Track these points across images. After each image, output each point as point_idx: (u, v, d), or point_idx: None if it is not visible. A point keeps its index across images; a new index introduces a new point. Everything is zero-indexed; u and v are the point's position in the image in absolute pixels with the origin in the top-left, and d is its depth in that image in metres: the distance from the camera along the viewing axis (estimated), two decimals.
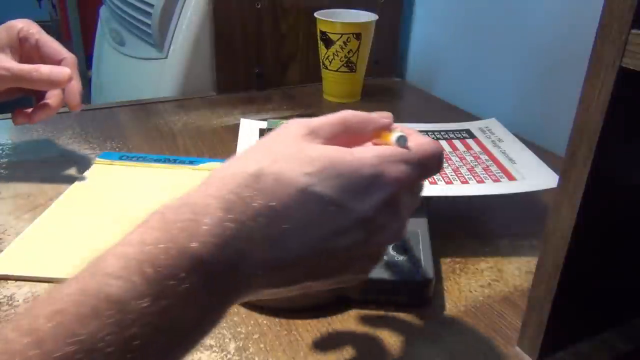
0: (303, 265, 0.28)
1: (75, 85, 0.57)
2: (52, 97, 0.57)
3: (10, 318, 0.40)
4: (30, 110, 0.57)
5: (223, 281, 0.26)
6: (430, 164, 0.32)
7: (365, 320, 0.42)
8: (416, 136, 0.33)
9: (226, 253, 0.25)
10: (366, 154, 0.29)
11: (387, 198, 0.30)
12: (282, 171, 0.27)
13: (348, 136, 0.32)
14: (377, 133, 0.33)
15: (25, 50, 0.57)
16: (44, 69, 0.53)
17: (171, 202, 0.27)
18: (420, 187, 0.34)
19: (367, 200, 0.29)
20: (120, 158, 0.64)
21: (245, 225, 0.26)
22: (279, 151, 0.29)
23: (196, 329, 0.26)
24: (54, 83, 0.54)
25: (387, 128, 0.33)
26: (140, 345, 0.23)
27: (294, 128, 0.31)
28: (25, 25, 0.57)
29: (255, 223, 0.26)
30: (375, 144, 0.33)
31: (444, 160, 0.48)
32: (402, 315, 0.42)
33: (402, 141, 0.31)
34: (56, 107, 0.57)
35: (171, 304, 0.24)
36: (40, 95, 0.58)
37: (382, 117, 0.34)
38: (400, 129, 0.33)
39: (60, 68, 0.54)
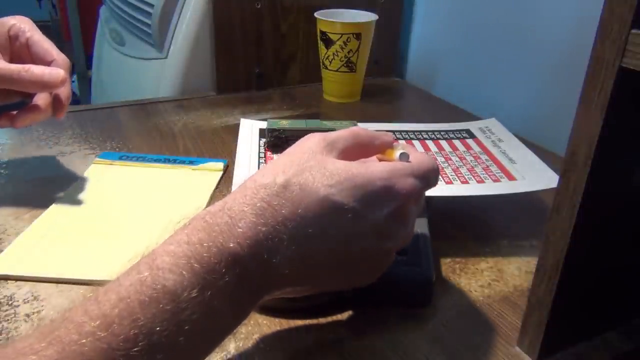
0: (323, 265, 0.32)
1: (64, 90, 0.52)
2: (40, 100, 0.52)
3: (10, 318, 0.40)
4: (15, 112, 0.52)
5: (255, 276, 0.30)
6: (431, 178, 0.37)
7: (365, 320, 0.42)
8: (415, 153, 0.38)
9: (259, 252, 0.30)
10: (379, 168, 0.34)
11: (397, 208, 0.34)
12: (306, 182, 0.32)
13: (358, 149, 0.37)
14: (382, 149, 0.39)
15: (15, 49, 0.53)
16: (36, 70, 0.48)
17: (210, 208, 0.31)
18: (423, 198, 0.38)
19: (380, 210, 0.33)
20: (120, 158, 0.64)
21: (275, 229, 0.30)
22: (303, 163, 0.33)
23: (232, 318, 0.30)
24: (45, 85, 0.48)
25: (390, 145, 0.39)
26: (189, 329, 0.27)
27: (313, 142, 0.35)
28: (17, 23, 0.53)
29: (284, 227, 0.30)
30: (379, 160, 0.38)
31: (445, 160, 0.53)
32: (402, 315, 0.42)
33: (404, 157, 0.36)
34: (44, 110, 0.52)
35: (213, 295, 0.28)
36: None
37: (385, 135, 0.39)
38: (401, 146, 0.38)
39: (53, 69, 0.49)
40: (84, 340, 0.25)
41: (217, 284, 0.28)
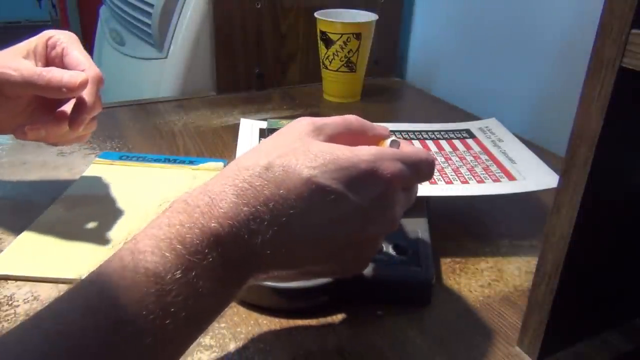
0: (306, 248, 0.32)
1: (89, 99, 0.47)
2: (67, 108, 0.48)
3: (10, 318, 0.40)
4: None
5: (237, 257, 0.30)
6: (423, 168, 0.36)
7: (365, 320, 0.42)
8: (409, 145, 0.38)
9: (240, 233, 0.29)
10: (364, 151, 0.33)
11: (382, 191, 0.33)
12: (289, 164, 0.31)
13: (349, 137, 0.36)
14: (375, 141, 0.38)
15: (51, 58, 0.50)
16: (57, 71, 0.45)
17: (191, 191, 0.31)
18: (414, 188, 0.38)
19: (363, 192, 0.32)
20: (120, 158, 0.64)
21: (257, 210, 0.30)
22: (287, 145, 0.33)
23: (218, 299, 0.30)
24: (63, 86, 0.45)
25: (384, 138, 0.38)
26: (175, 312, 0.27)
27: (301, 125, 0.35)
28: (57, 34, 0.50)
29: (266, 208, 0.30)
30: None
31: (445, 160, 0.53)
32: (402, 315, 0.42)
33: (394, 145, 0.36)
34: (61, 119, 0.47)
35: (198, 276, 0.28)
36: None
37: (381, 128, 0.39)
38: (394, 137, 0.38)
39: (75, 72, 0.46)
40: (71, 329, 0.25)
41: (202, 264, 0.28)
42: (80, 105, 0.47)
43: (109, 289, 0.26)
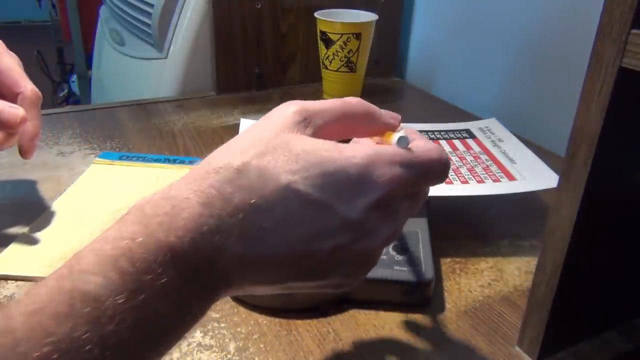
0: (284, 264, 0.27)
1: (30, 128, 0.47)
2: None
3: None
4: None
5: (201, 276, 0.25)
6: (433, 170, 0.30)
7: (365, 320, 0.42)
8: (421, 140, 0.31)
9: (203, 248, 0.25)
10: (356, 152, 0.28)
11: (377, 200, 0.28)
12: (267, 166, 0.26)
13: (348, 125, 0.31)
14: (381, 131, 0.32)
15: None
16: None
17: (152, 195, 0.27)
18: (422, 193, 0.32)
19: (354, 202, 0.27)
20: (120, 158, 0.64)
21: (224, 221, 0.25)
22: (267, 142, 0.27)
23: (176, 324, 0.26)
24: (1, 125, 0.44)
25: (392, 129, 0.32)
26: (118, 342, 0.23)
27: (287, 114, 0.29)
28: None
29: (234, 219, 0.25)
30: (378, 143, 0.32)
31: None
32: (402, 315, 0.42)
33: (402, 142, 0.30)
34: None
35: (148, 300, 0.23)
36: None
37: (390, 116, 0.32)
38: (405, 130, 0.31)
39: (12, 108, 0.45)
40: None
41: (153, 285, 0.24)
42: (28, 134, 0.47)
43: (38, 313, 0.22)
